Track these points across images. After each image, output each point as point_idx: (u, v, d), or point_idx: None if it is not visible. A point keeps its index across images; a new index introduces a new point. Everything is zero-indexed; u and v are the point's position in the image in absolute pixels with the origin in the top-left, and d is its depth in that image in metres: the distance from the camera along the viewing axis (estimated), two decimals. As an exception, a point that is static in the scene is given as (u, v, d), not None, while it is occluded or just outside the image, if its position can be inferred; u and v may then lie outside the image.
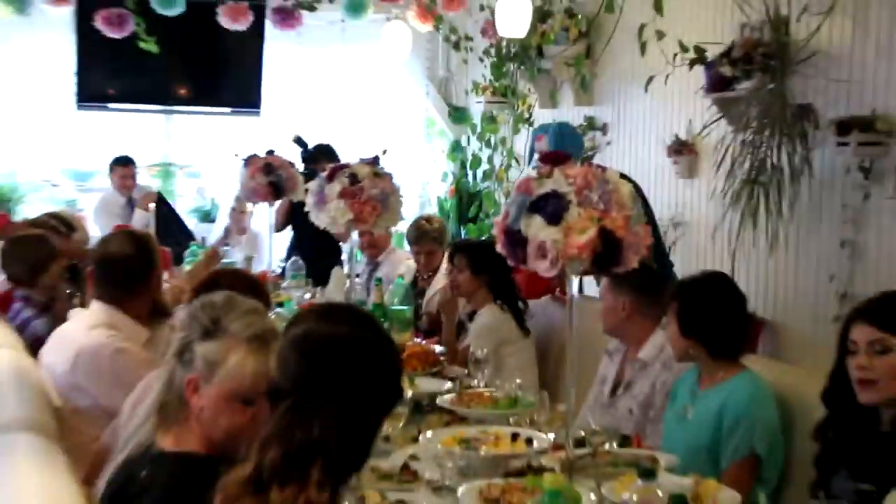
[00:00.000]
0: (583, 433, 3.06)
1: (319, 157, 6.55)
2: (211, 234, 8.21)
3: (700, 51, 5.24)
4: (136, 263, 3.74)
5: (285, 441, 1.92)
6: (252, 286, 3.23)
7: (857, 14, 4.56)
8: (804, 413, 3.25)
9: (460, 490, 2.64)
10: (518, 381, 3.76)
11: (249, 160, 6.41)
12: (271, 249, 7.27)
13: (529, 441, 3.02)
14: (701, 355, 3.45)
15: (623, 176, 4.67)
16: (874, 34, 4.49)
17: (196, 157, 8.76)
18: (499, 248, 3.04)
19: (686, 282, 3.71)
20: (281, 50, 8.03)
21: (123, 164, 7.58)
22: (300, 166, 6.73)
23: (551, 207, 2.81)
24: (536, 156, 4.82)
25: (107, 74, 7.95)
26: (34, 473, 2.52)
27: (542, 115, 7.40)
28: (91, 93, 8.05)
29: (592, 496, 2.46)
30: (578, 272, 2.96)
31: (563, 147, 4.76)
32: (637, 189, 4.67)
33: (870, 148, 4.40)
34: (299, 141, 7.18)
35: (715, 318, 3.44)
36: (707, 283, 3.66)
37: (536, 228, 2.82)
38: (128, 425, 2.84)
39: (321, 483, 1.88)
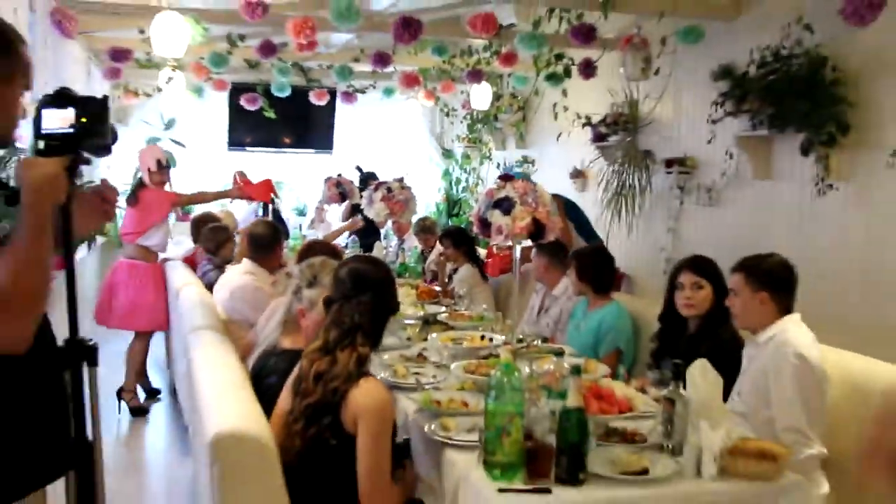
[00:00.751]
0: (521, 336, 3.12)
1: (369, 178, 6.54)
2: (303, 222, 8.22)
3: (588, 118, 5.26)
4: (271, 238, 3.77)
5: (339, 325, 1.99)
6: (332, 252, 3.23)
7: (675, 99, 4.60)
8: (646, 325, 3.31)
9: (452, 366, 2.67)
10: (484, 306, 3.82)
11: (326, 179, 6.42)
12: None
13: (491, 339, 3.04)
14: (589, 292, 3.49)
15: (562, 198, 4.59)
16: (685, 111, 4.53)
17: (294, 178, 8.72)
18: (474, 229, 3.08)
19: (582, 250, 3.76)
20: (345, 114, 7.97)
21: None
22: (356, 182, 6.73)
23: (505, 205, 2.85)
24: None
25: (245, 130, 7.90)
26: (216, 351, 2.59)
27: (497, 155, 7.38)
28: (235, 141, 7.98)
29: (527, 369, 2.49)
30: (520, 243, 3.01)
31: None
32: (570, 202, 4.60)
33: (683, 175, 4.45)
34: (359, 169, 7.15)
35: (597, 271, 3.49)
36: (593, 251, 3.71)
37: (496, 217, 2.86)
38: (262, 332, 2.90)
39: (363, 343, 1.96)
